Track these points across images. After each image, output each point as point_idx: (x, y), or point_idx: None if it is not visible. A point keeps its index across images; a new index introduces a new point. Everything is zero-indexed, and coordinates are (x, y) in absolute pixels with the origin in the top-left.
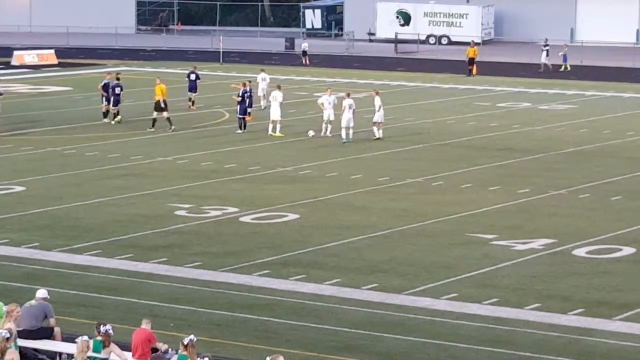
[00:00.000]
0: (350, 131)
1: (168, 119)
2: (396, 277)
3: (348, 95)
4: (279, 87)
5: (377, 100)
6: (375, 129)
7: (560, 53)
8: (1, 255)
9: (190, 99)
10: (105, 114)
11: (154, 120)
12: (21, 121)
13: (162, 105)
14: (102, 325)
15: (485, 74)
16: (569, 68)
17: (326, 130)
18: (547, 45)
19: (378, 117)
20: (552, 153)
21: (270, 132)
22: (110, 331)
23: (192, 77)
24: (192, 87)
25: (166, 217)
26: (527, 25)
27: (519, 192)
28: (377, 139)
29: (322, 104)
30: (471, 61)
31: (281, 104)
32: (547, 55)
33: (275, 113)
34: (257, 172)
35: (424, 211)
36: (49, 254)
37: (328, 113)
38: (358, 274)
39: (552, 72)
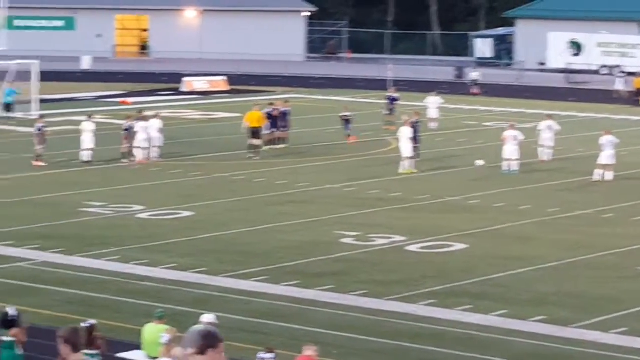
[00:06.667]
0: (515, 163)
1: (257, 146)
2: (564, 310)
3: (512, 126)
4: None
5: (606, 139)
6: (601, 171)
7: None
8: (169, 279)
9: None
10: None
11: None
12: (191, 147)
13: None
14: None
15: None
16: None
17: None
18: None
19: (605, 158)
20: None
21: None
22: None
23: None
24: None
25: (332, 245)
26: None
27: None
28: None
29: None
30: (639, 92)
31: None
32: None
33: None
34: (424, 201)
35: (593, 243)
36: (215, 279)
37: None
38: (525, 306)
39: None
